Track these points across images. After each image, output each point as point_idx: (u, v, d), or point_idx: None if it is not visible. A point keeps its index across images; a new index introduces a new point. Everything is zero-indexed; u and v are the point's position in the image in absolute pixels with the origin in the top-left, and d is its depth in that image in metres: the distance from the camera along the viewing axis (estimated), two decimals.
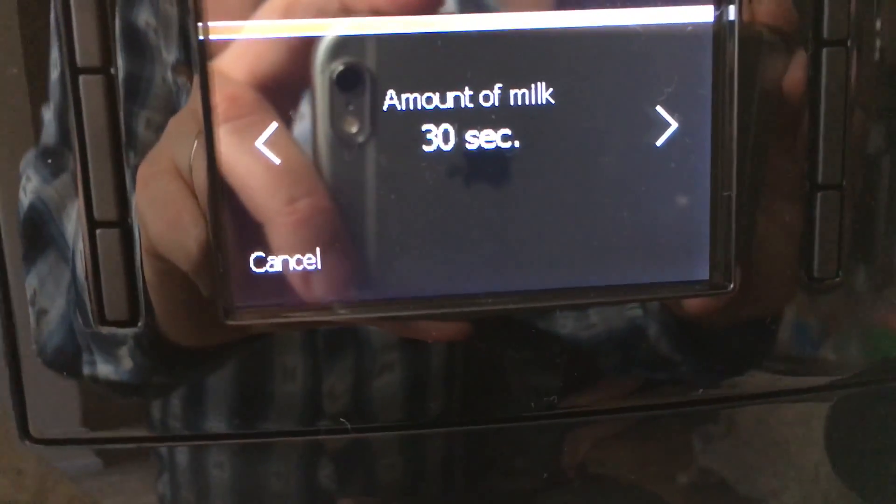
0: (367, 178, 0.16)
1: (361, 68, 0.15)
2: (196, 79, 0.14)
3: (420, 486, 0.17)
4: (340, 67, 0.15)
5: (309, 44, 0.15)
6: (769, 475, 0.21)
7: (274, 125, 0.15)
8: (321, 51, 0.15)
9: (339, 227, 0.15)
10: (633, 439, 0.17)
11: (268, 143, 0.15)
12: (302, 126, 0.15)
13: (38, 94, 0.15)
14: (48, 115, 0.15)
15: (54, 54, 0.14)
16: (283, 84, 0.15)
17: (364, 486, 0.17)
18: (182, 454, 0.16)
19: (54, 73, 0.15)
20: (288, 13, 0.15)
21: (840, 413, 0.19)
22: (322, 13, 0.15)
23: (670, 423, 0.17)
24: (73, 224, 0.15)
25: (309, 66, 0.15)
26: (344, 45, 0.15)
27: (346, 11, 0.15)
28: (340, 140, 0.15)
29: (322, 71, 0.15)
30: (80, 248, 0.15)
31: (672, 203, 0.16)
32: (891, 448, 0.20)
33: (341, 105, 0.15)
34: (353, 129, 0.16)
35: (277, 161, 0.15)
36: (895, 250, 0.16)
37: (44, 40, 0.14)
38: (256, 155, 0.15)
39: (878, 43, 0.16)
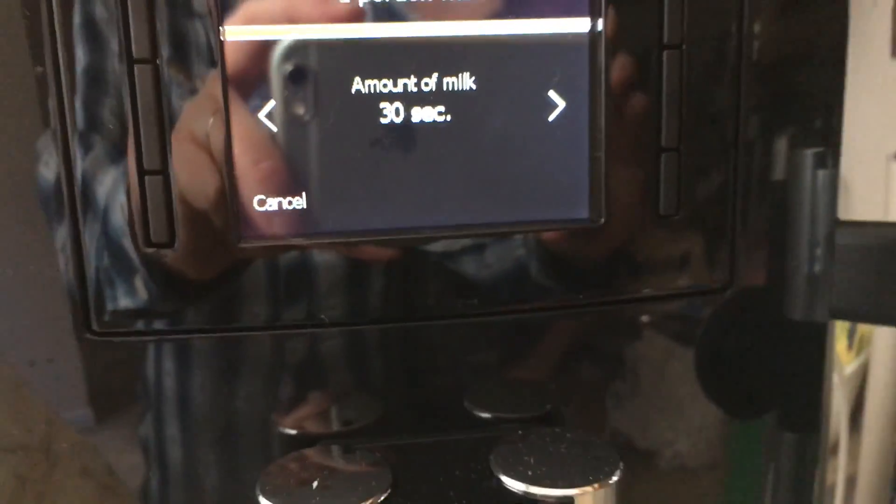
0: (338, 143, 0.21)
1: (306, 68, 0.21)
2: (217, 71, 0.20)
3: (370, 372, 0.23)
4: (290, 68, 0.21)
5: (269, 47, 0.21)
6: (664, 428, 0.27)
7: (259, 106, 0.21)
8: (276, 54, 0.21)
9: (304, 178, 0.21)
10: (537, 340, 0.24)
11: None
12: (270, 107, 0.21)
13: (98, 82, 0.20)
14: (107, 98, 0.20)
15: (113, 48, 0.20)
16: (258, 78, 0.21)
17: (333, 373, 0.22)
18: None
19: (112, 64, 0.20)
20: (289, 18, 0.20)
21: (704, 341, 0.25)
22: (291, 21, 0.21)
23: (562, 322, 0.23)
24: (116, 177, 0.20)
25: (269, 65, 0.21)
26: (293, 49, 0.21)
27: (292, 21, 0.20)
28: (294, 119, 0.21)
29: (278, 70, 0.21)
30: (129, 191, 0.20)
31: (561, 163, 0.22)
32: (746, 354, 0.26)
33: (292, 94, 0.21)
34: (301, 112, 0.21)
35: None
36: (717, 195, 0.23)
37: (103, 39, 0.20)
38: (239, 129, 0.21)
39: (704, 46, 0.22)
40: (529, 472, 0.20)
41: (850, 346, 0.36)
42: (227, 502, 0.23)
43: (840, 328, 0.34)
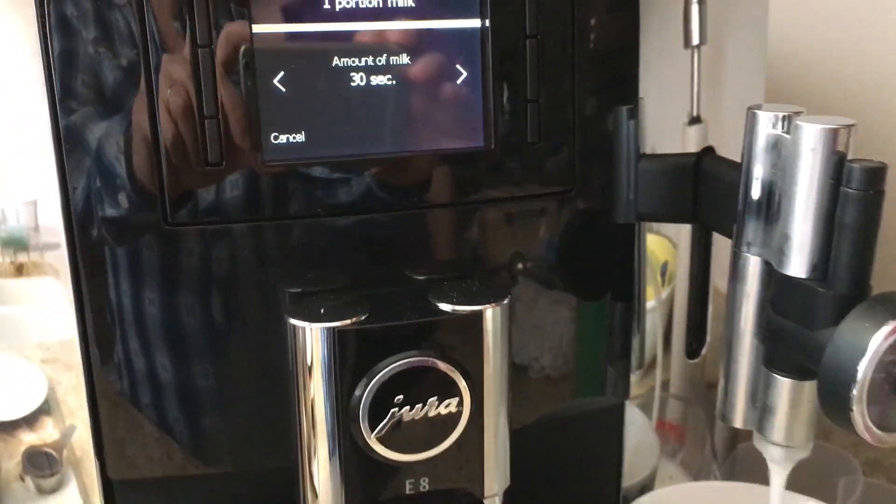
0: (324, 100, 0.33)
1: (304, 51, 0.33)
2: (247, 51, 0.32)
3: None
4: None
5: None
6: (529, 368, 0.40)
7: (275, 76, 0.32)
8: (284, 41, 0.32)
9: (303, 122, 0.33)
10: (454, 227, 0.36)
11: None
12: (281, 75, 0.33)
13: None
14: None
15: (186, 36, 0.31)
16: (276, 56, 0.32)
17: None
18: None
19: (180, 49, 0.31)
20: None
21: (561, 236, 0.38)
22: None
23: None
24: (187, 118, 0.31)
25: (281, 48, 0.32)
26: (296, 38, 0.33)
27: None
28: (297, 85, 0.33)
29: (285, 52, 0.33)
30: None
31: (465, 112, 0.35)
32: (590, 248, 0.40)
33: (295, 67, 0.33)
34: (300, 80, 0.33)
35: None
36: (564, 131, 0.36)
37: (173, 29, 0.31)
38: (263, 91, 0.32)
39: (552, 35, 0.35)
40: (454, 299, 0.33)
41: (662, 280, 0.50)
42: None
43: (651, 270, 0.47)
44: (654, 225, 0.46)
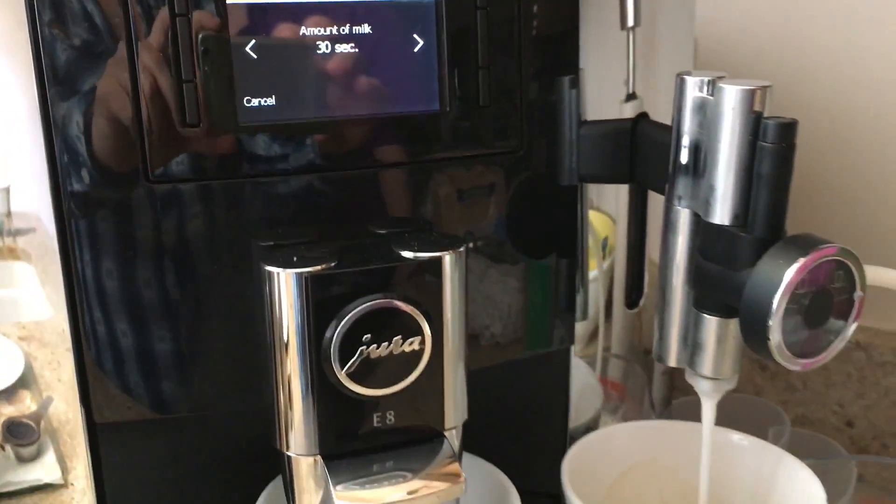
0: (294, 65, 0.36)
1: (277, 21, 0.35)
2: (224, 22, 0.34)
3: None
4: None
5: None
6: (483, 316, 0.43)
7: (247, 42, 0.35)
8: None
9: (274, 87, 0.36)
10: (412, 185, 0.39)
11: None
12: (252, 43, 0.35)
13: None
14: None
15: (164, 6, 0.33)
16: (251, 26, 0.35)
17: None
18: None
19: (160, 19, 0.33)
20: None
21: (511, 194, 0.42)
22: None
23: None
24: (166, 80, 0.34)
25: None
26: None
27: None
28: (268, 50, 0.36)
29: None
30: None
31: (423, 77, 0.38)
32: (536, 206, 0.43)
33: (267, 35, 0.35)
34: (272, 46, 0.36)
35: None
36: (512, 95, 0.40)
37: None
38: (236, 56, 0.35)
39: (500, 8, 0.38)
40: (415, 247, 0.36)
41: (603, 253, 0.54)
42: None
43: (595, 243, 0.51)
44: (596, 202, 0.50)
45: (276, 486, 0.42)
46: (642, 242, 0.48)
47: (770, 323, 0.35)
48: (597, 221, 0.50)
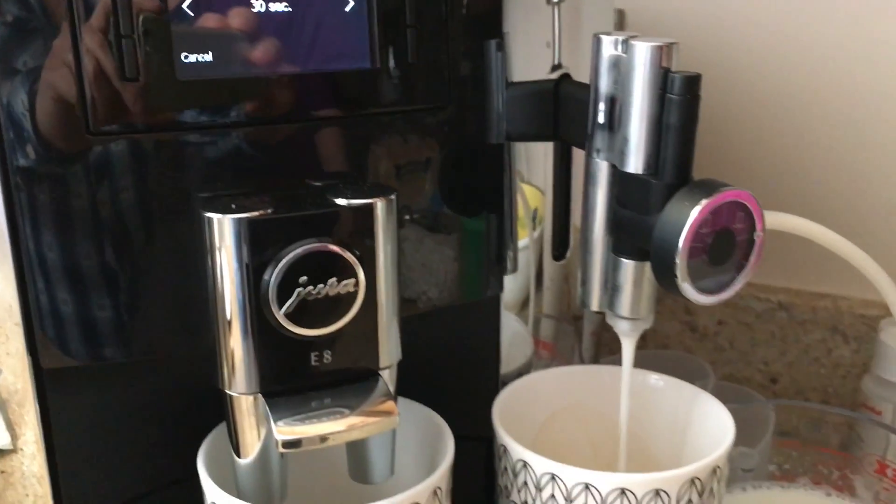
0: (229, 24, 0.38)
1: None
2: None
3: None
4: None
5: None
6: (416, 265, 0.45)
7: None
8: None
9: (210, 43, 0.37)
10: (344, 139, 0.41)
11: None
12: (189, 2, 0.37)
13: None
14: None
15: None
16: None
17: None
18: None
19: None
20: None
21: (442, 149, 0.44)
22: None
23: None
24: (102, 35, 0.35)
25: None
26: None
27: None
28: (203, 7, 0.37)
29: None
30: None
31: (353, 35, 0.40)
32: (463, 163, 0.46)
33: None
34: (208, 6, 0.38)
35: None
36: (439, 54, 0.42)
37: None
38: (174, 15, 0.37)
39: None
40: (348, 195, 0.39)
41: (533, 224, 0.56)
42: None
43: (526, 214, 0.54)
44: (526, 176, 0.52)
45: (221, 430, 0.44)
46: (567, 197, 0.50)
47: (677, 261, 0.38)
48: (527, 193, 0.52)
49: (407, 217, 0.44)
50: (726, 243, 0.40)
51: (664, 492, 0.40)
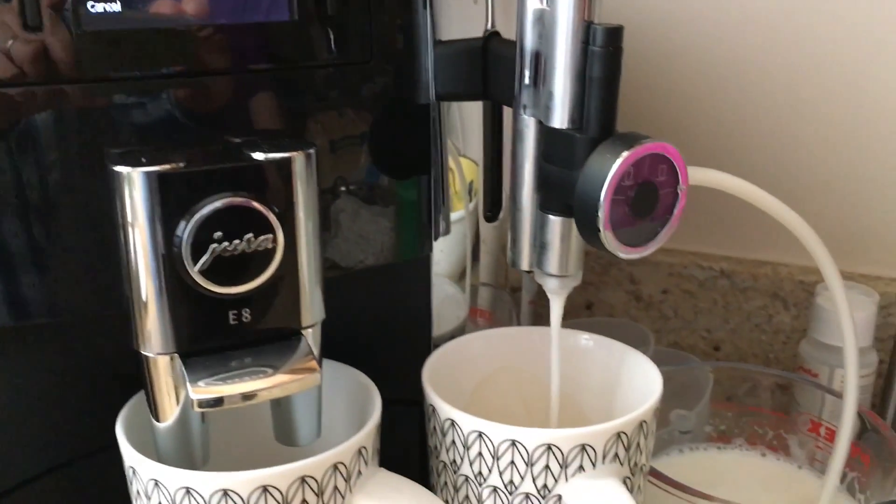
0: None
1: None
2: None
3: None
4: None
5: None
6: (341, 223, 0.44)
7: None
8: None
9: None
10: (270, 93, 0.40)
11: None
12: None
13: None
14: None
15: None
16: None
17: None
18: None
19: None
20: None
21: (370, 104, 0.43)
22: None
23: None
24: None
25: None
26: None
27: None
28: None
29: None
30: None
31: None
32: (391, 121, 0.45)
33: None
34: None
35: None
36: (360, 8, 0.41)
37: None
38: None
39: None
40: (266, 150, 0.38)
41: (469, 196, 0.56)
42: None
43: (462, 186, 0.53)
44: (462, 149, 0.52)
45: (141, 396, 0.43)
46: (499, 157, 0.50)
47: (599, 214, 0.38)
48: (463, 166, 0.52)
49: (332, 175, 0.43)
50: (649, 196, 0.40)
51: (590, 446, 0.40)
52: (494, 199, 0.51)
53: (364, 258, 0.45)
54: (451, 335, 0.51)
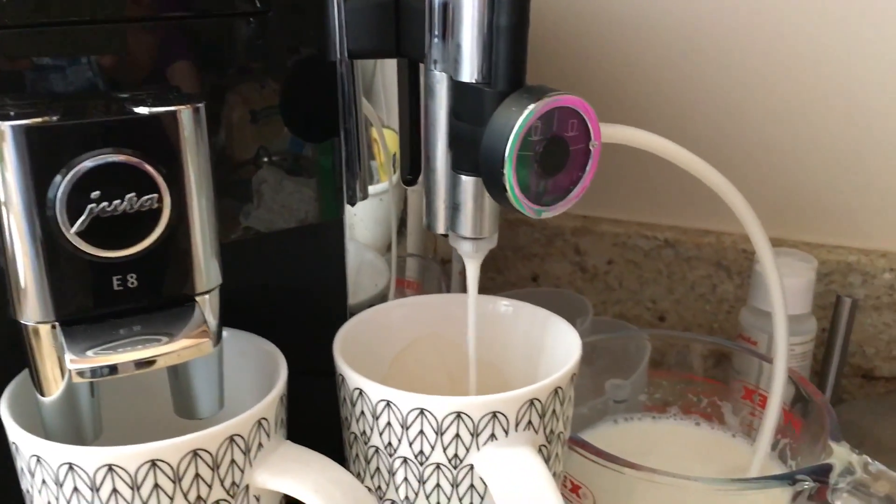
0: None
1: None
2: None
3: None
4: None
5: None
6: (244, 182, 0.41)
7: None
8: None
9: None
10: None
11: None
12: None
13: None
14: None
15: None
16: None
17: None
18: None
19: None
20: None
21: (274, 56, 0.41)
22: None
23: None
24: None
25: None
26: None
27: None
28: None
29: None
30: None
31: None
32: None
33: None
34: None
35: None
36: None
37: None
38: None
39: None
40: (149, 104, 0.35)
41: (393, 168, 0.54)
42: None
43: (386, 159, 0.51)
44: (386, 119, 0.50)
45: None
46: (416, 117, 0.48)
47: (504, 171, 0.36)
48: (387, 138, 0.50)
49: (232, 133, 0.41)
50: (559, 153, 0.38)
51: (502, 414, 0.39)
52: (413, 162, 0.50)
53: (270, 221, 0.43)
54: (371, 304, 0.49)
